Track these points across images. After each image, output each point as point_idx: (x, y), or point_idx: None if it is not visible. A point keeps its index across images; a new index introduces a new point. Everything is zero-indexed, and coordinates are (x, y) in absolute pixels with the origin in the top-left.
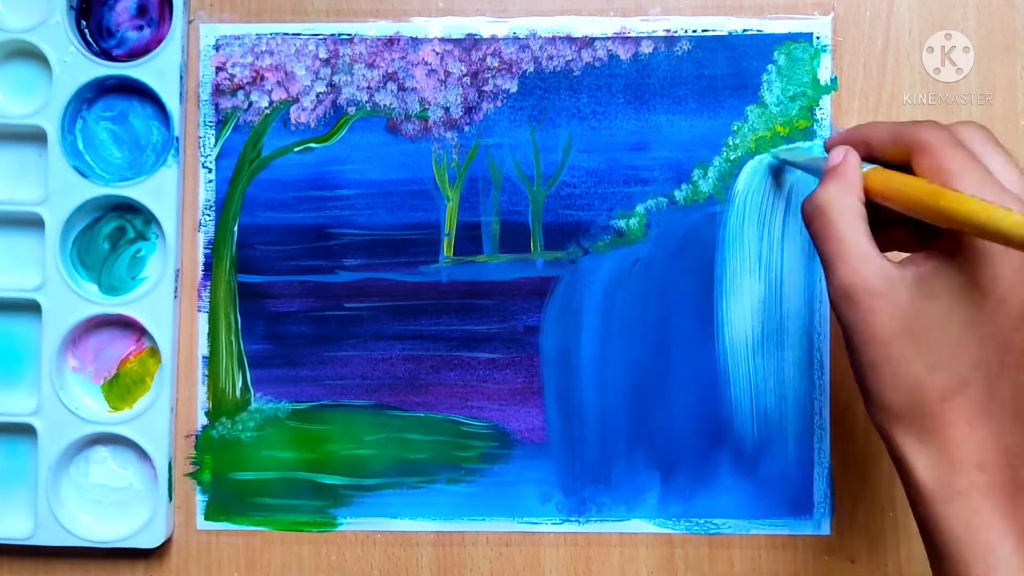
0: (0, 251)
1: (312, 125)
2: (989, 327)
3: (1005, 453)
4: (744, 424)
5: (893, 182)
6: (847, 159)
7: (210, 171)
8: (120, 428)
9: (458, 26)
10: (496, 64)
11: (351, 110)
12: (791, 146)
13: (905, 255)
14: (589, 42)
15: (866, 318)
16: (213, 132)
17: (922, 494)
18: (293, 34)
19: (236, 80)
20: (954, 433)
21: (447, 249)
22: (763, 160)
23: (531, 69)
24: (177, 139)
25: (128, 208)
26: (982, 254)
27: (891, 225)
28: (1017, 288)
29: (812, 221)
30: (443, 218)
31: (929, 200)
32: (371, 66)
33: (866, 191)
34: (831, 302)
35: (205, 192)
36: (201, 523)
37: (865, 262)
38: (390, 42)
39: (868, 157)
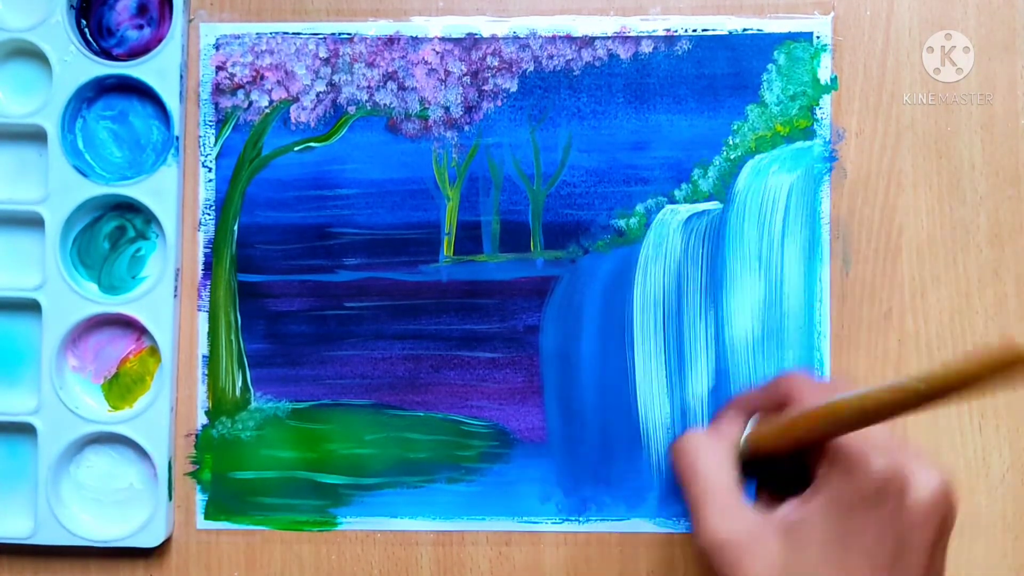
0: (0, 251)
1: (312, 124)
2: None
3: None
4: None
5: (767, 425)
6: (728, 414)
7: (210, 170)
8: (120, 427)
9: (458, 25)
10: (496, 63)
11: (351, 109)
12: None
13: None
14: (589, 41)
15: (735, 571)
16: (213, 131)
17: None
18: (293, 33)
19: (236, 79)
20: None
21: (447, 248)
22: (763, 160)
23: (531, 68)
24: (177, 138)
25: (128, 207)
26: (848, 509)
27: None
28: (882, 541)
29: (678, 463)
30: (443, 217)
31: (792, 422)
32: (371, 65)
33: (753, 443)
34: (699, 548)
35: (205, 191)
36: (201, 522)
37: (731, 514)
38: (390, 41)
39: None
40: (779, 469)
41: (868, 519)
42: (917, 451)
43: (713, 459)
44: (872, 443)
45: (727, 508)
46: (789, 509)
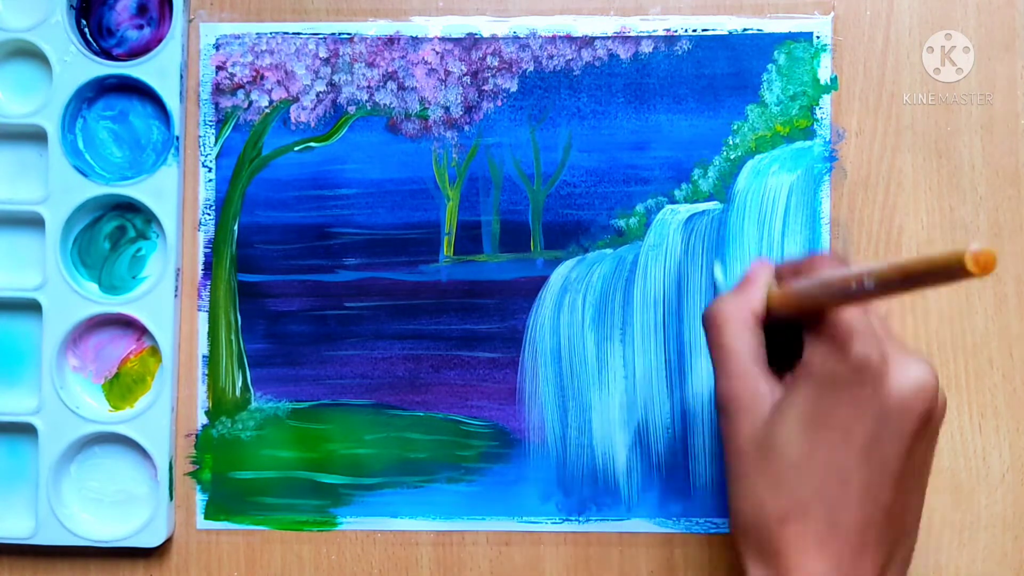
0: (0, 251)
1: (312, 124)
2: (831, 459)
3: None
4: None
5: (776, 291)
6: (756, 272)
7: (210, 170)
8: (121, 427)
9: (458, 25)
10: (496, 63)
11: (351, 109)
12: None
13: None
14: (589, 41)
15: (732, 431)
16: (213, 131)
17: None
18: (293, 33)
19: (236, 79)
20: (792, 558)
21: (447, 248)
22: (763, 160)
23: (531, 68)
24: (177, 138)
25: (128, 207)
26: (827, 387)
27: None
28: (858, 423)
29: (707, 329)
30: (443, 217)
31: (781, 294)
32: (371, 65)
33: (771, 307)
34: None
35: (205, 191)
36: (201, 522)
37: (742, 376)
38: (390, 41)
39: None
40: (795, 334)
41: (845, 401)
42: (904, 344)
43: (736, 327)
44: (858, 328)
45: (740, 373)
46: (786, 380)
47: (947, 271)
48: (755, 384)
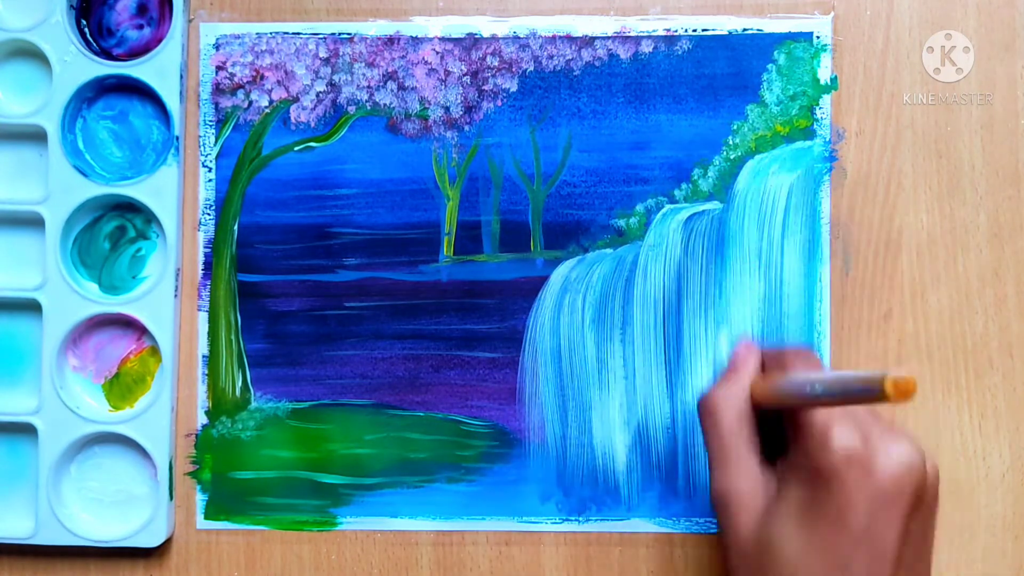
0: (0, 251)
1: (312, 124)
2: (828, 550)
3: None
4: None
5: (766, 384)
6: (742, 358)
7: (210, 170)
8: (121, 427)
9: (458, 25)
10: (496, 63)
11: (351, 109)
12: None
13: None
14: (589, 41)
15: (731, 526)
16: (213, 131)
17: None
18: (293, 33)
19: (236, 79)
20: None
21: (447, 248)
22: (763, 160)
23: (531, 68)
24: (177, 138)
25: (128, 207)
26: (816, 480)
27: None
28: (851, 511)
29: (703, 420)
30: (443, 217)
31: (760, 387)
32: (371, 65)
33: (753, 398)
34: (711, 498)
35: (205, 191)
36: (201, 522)
37: (742, 470)
38: (390, 41)
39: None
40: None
41: (835, 491)
42: (887, 425)
43: (732, 415)
44: (836, 416)
45: (740, 466)
46: (779, 469)
47: (866, 393)
48: (754, 477)
